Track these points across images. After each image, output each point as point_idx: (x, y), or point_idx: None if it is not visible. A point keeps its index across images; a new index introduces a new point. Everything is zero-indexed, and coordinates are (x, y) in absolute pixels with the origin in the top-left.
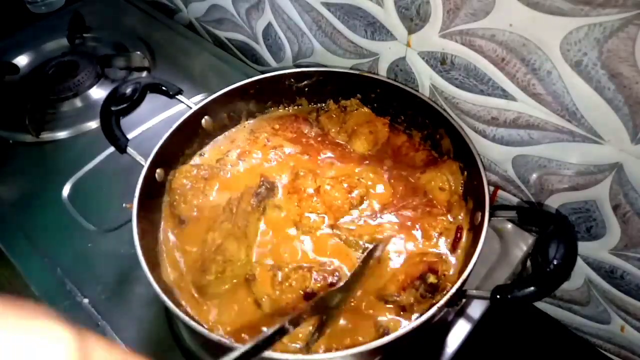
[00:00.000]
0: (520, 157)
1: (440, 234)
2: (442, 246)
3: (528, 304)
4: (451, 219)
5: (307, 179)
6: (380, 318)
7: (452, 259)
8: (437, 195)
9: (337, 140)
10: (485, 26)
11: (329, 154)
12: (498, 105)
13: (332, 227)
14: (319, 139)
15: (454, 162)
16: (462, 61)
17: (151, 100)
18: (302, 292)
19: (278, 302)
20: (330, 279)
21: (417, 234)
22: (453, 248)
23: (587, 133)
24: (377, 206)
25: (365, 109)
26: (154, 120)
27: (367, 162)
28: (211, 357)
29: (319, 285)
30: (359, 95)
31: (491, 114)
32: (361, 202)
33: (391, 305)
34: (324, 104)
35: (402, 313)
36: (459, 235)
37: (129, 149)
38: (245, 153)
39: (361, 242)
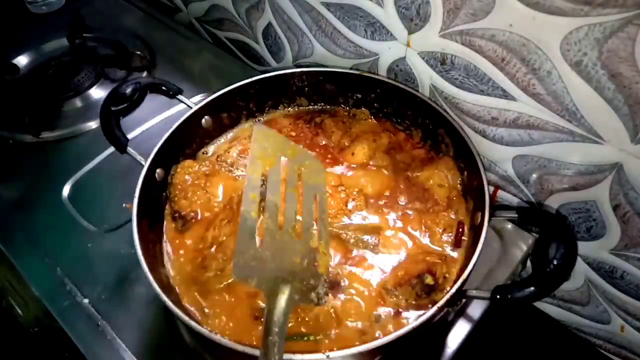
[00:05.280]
0: (520, 157)
1: (444, 230)
2: (446, 244)
3: (528, 304)
4: (453, 216)
5: None
6: (380, 308)
7: (453, 259)
8: (437, 192)
9: (339, 144)
10: (485, 26)
11: (329, 157)
12: (498, 105)
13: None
14: (321, 141)
15: (450, 158)
16: (462, 61)
17: (151, 100)
18: None
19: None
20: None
21: (422, 231)
22: (456, 243)
23: (587, 133)
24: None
25: (374, 121)
26: (154, 120)
27: (367, 166)
28: (211, 356)
29: None
30: (358, 95)
31: (491, 114)
32: (353, 212)
33: (393, 298)
34: (332, 107)
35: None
36: (461, 230)
37: (129, 149)
38: (246, 151)
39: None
